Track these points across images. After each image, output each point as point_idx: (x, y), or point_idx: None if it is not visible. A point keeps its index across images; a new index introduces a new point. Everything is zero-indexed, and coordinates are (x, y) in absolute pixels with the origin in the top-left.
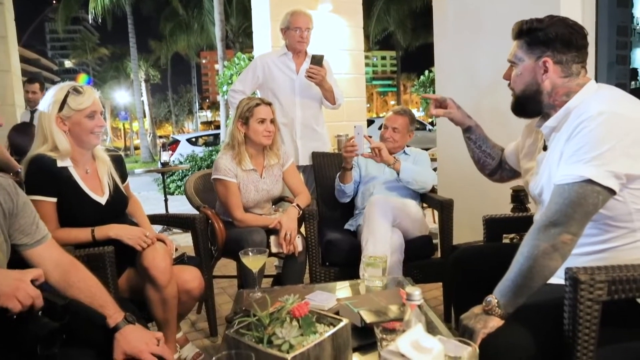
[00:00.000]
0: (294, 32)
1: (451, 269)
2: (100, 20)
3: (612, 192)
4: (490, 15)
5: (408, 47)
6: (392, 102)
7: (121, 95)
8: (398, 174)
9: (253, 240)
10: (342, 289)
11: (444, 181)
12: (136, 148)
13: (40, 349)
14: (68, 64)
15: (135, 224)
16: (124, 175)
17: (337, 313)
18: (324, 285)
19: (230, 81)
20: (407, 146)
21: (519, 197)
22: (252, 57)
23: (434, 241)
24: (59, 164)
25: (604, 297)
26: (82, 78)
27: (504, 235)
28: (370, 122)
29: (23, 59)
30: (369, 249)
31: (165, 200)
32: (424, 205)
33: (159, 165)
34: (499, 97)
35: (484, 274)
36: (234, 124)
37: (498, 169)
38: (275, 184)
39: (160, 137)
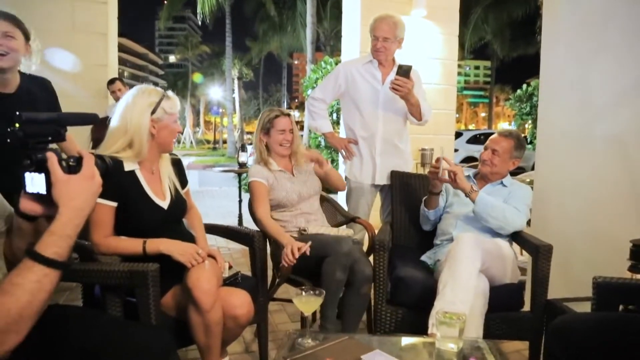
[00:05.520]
0: (373, 39)
1: (551, 341)
2: (207, 19)
3: None
4: (618, 25)
5: (504, 57)
6: (483, 114)
7: (215, 91)
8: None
9: (341, 249)
10: (408, 349)
11: (539, 216)
12: (224, 142)
13: None
14: (172, 59)
15: (191, 235)
16: (183, 181)
17: None
18: (386, 338)
19: (315, 85)
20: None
21: None
22: (339, 62)
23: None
24: (126, 167)
25: None
26: (197, 77)
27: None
28: (457, 135)
29: (133, 53)
30: (447, 295)
31: (240, 201)
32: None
33: (237, 165)
34: (618, 122)
35: (593, 352)
36: (257, 136)
37: None
38: (309, 176)
39: (248, 132)
